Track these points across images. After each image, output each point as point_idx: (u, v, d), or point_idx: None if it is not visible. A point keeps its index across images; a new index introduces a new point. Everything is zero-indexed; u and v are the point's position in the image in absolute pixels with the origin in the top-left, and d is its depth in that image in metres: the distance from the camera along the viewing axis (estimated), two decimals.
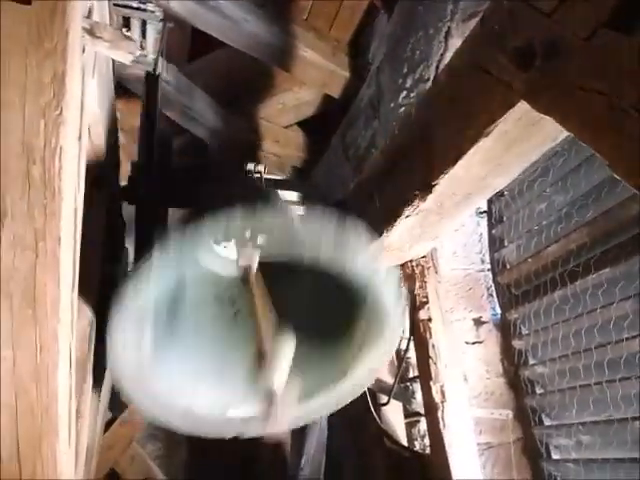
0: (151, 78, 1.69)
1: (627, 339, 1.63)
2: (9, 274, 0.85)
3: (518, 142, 1.24)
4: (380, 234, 1.67)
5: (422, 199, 1.47)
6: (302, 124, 3.39)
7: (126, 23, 2.19)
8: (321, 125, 3.33)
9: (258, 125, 3.22)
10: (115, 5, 2.01)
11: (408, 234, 1.67)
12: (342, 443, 2.31)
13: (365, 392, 1.94)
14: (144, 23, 2.13)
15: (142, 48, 2.35)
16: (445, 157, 1.35)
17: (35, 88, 0.85)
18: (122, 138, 2.02)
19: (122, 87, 2.62)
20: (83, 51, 0.96)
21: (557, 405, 1.95)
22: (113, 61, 2.21)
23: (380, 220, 1.68)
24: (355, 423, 2.12)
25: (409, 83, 2.38)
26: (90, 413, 1.44)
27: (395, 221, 1.58)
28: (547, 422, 1.99)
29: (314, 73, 2.80)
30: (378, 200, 1.72)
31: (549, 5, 1.02)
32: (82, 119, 1.00)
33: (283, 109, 3.21)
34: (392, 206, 1.60)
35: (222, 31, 2.49)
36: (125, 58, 1.01)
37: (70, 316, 0.96)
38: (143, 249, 1.41)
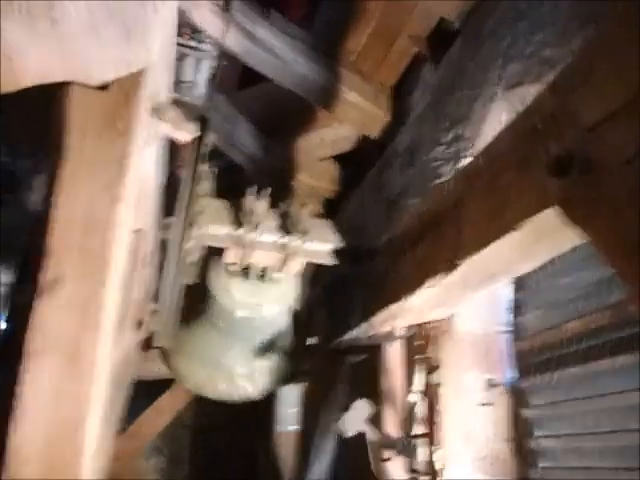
0: (202, 121, 1.75)
1: (634, 430, 1.62)
2: (58, 333, 0.93)
3: (550, 237, 1.26)
4: (402, 297, 1.70)
5: (445, 274, 1.49)
6: (337, 156, 3.44)
7: (182, 58, 2.31)
8: (356, 159, 3.38)
9: (295, 155, 3.28)
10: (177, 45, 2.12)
11: (429, 301, 1.70)
12: None
13: (368, 446, 1.97)
14: (199, 60, 2.24)
15: (193, 81, 2.46)
16: (473, 240, 1.38)
17: (103, 165, 0.92)
18: None
19: None
20: (147, 127, 1.03)
21: None
22: None
23: (404, 283, 1.71)
24: (358, 473, 2.14)
25: (449, 138, 2.41)
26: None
27: (418, 288, 1.61)
28: None
29: (355, 114, 2.86)
30: (404, 263, 1.76)
31: (592, 119, 1.05)
32: (139, 188, 1.06)
33: (321, 143, 3.27)
34: (417, 273, 1.63)
35: (273, 70, 2.57)
36: (184, 138, 1.08)
37: (105, 373, 1.03)
38: None
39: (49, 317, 0.93)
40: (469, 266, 1.43)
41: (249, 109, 3.08)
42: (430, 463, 1.73)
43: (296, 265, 2.00)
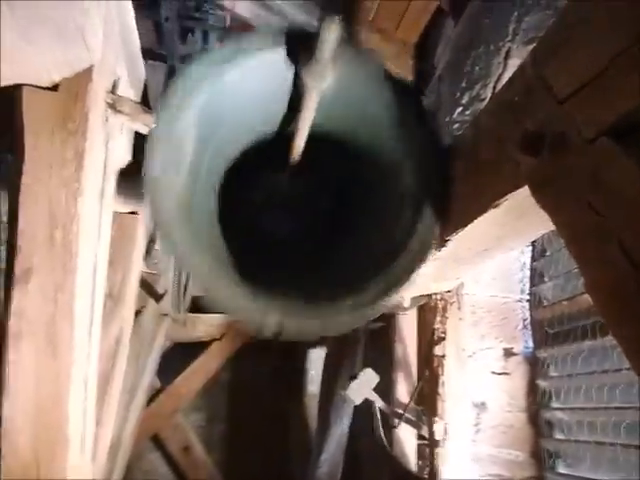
0: None
1: None
2: (35, 318, 1.01)
3: (532, 214, 1.20)
4: None
5: (437, 249, 1.46)
6: None
7: (191, 31, 2.31)
8: None
9: None
10: (179, 17, 2.13)
11: (427, 274, 1.67)
12: (359, 452, 2.41)
13: (376, 414, 2.01)
14: (206, 32, 2.23)
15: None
16: (459, 216, 1.34)
17: (59, 164, 0.97)
18: None
19: None
20: (107, 120, 1.06)
21: (572, 455, 1.90)
22: None
23: None
24: (369, 438, 2.19)
25: (465, 99, 2.30)
26: (119, 409, 1.63)
27: None
28: (561, 469, 1.95)
29: None
30: None
31: (563, 93, 0.97)
32: (105, 177, 1.10)
33: None
34: None
35: None
36: (143, 129, 1.09)
37: (86, 352, 1.11)
38: None
39: (25, 304, 1.01)
40: (458, 242, 1.39)
41: None
42: (430, 437, 1.74)
43: None
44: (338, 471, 2.42)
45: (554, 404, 2.03)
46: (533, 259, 2.23)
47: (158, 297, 2.22)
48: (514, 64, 2.01)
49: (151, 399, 2.94)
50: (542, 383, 2.09)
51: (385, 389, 2.13)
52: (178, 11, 2.03)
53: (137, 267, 1.58)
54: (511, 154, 1.11)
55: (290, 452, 3.17)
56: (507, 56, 2.04)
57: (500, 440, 2.11)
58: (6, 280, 1.04)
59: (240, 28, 2.55)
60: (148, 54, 2.20)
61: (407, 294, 1.94)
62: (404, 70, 2.77)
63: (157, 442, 3.14)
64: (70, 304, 1.03)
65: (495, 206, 1.18)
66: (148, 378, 2.38)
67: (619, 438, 1.66)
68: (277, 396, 3.30)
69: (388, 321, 2.32)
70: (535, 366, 2.15)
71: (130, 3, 1.04)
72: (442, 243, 1.42)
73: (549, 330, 2.09)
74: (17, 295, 1.02)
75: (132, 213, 1.54)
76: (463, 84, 2.31)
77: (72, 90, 0.95)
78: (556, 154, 0.97)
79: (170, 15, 2.05)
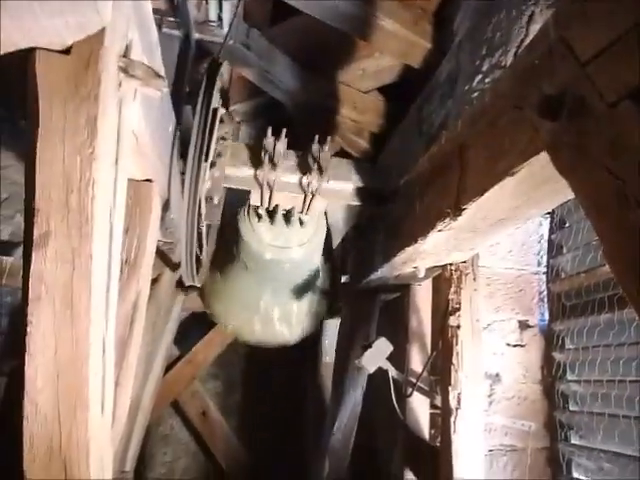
0: (213, 65, 1.75)
1: None
2: (53, 281, 1.04)
3: (549, 182, 1.18)
4: (415, 240, 1.67)
5: (453, 218, 1.45)
6: (382, 89, 3.30)
7: None
8: (402, 91, 3.22)
9: (337, 89, 3.18)
10: None
11: (442, 245, 1.66)
12: (372, 420, 2.44)
13: (390, 382, 2.03)
14: None
15: (220, 20, 2.42)
16: (475, 185, 1.32)
17: (72, 130, 0.97)
18: None
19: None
20: (120, 85, 1.05)
21: (585, 426, 1.91)
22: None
23: (417, 226, 1.68)
24: (383, 406, 2.22)
25: (485, 67, 2.22)
26: (138, 375, 1.67)
27: (428, 232, 1.58)
28: (573, 440, 1.96)
29: (394, 43, 2.69)
30: (418, 206, 1.71)
31: (587, 53, 0.94)
32: (119, 145, 1.11)
33: (363, 75, 3.13)
34: (427, 216, 1.59)
35: (302, 2, 2.45)
36: (154, 93, 1.09)
37: (103, 315, 1.13)
38: None
39: (43, 268, 1.03)
40: (474, 211, 1.38)
41: (285, 43, 2.98)
42: (443, 406, 1.76)
43: (319, 205, 2.01)
44: (351, 439, 2.46)
45: (569, 376, 2.03)
46: (551, 231, 2.20)
47: (174, 266, 2.25)
48: (537, 29, 1.94)
49: (169, 367, 3.01)
50: (557, 355, 2.09)
51: (399, 359, 2.14)
52: None
53: (153, 235, 1.59)
54: (530, 119, 1.09)
55: (305, 419, 3.23)
56: (530, 21, 1.95)
57: (514, 411, 2.13)
58: (25, 244, 1.06)
59: None
60: (162, 22, 2.18)
61: (422, 264, 1.93)
62: (422, 37, 2.70)
63: (176, 408, 3.23)
64: (87, 268, 1.04)
65: (512, 174, 1.16)
66: (165, 345, 2.43)
67: (633, 411, 1.66)
68: (292, 365, 3.35)
69: (403, 291, 2.33)
70: (550, 339, 2.14)
71: None
72: (457, 213, 1.40)
73: (566, 303, 2.08)
74: (36, 258, 1.04)
75: (147, 181, 1.55)
76: (483, 51, 2.23)
77: (84, 54, 0.94)
78: (576, 118, 0.94)
79: None
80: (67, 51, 0.96)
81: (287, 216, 2.10)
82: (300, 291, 2.41)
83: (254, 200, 2.04)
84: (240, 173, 1.93)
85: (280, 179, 1.92)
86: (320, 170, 1.88)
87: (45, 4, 0.84)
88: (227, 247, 2.30)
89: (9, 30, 0.89)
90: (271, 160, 1.87)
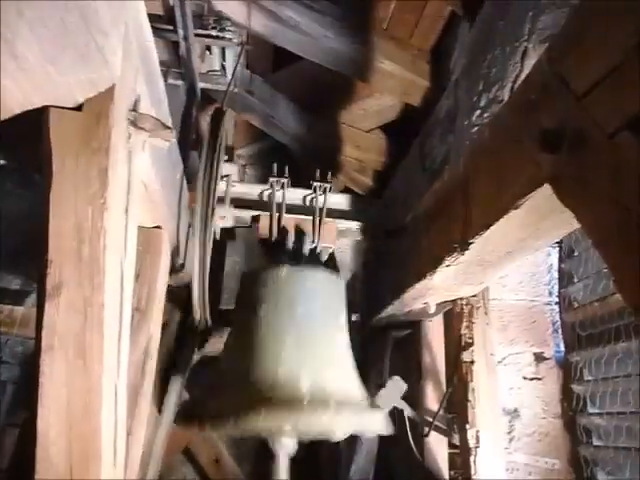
0: (218, 113, 1.79)
1: None
2: (65, 332, 1.04)
3: (555, 213, 1.18)
4: (424, 276, 1.67)
5: (461, 253, 1.45)
6: (384, 127, 3.36)
7: (208, 48, 2.36)
8: (404, 128, 3.28)
9: (339, 130, 3.25)
10: (196, 35, 2.18)
11: (451, 279, 1.66)
12: (389, 461, 2.38)
13: (406, 422, 1.99)
14: (224, 49, 2.28)
15: (224, 69, 2.50)
16: (480, 219, 1.33)
17: (84, 181, 1.00)
18: None
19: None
20: (130, 137, 1.09)
21: (611, 462, 1.85)
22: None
23: (426, 261, 1.68)
24: (400, 447, 2.17)
25: (483, 102, 2.28)
26: (150, 422, 1.65)
27: (437, 267, 1.58)
28: (600, 477, 1.89)
29: (393, 83, 2.76)
30: (425, 241, 1.72)
31: (581, 88, 0.96)
32: (129, 194, 1.14)
33: (365, 114, 3.21)
34: (435, 251, 1.60)
35: (302, 48, 2.54)
36: (162, 144, 1.12)
37: (115, 363, 1.13)
38: None
39: (56, 319, 1.04)
40: (481, 244, 1.38)
41: (288, 88, 3.08)
42: (462, 445, 1.71)
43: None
44: None
45: (590, 409, 1.98)
46: (561, 260, 2.19)
47: (185, 310, 2.25)
48: (531, 64, 1.98)
49: None
50: (576, 388, 2.04)
51: (414, 397, 2.10)
52: (195, 29, 2.09)
53: (163, 280, 1.61)
54: (530, 153, 1.10)
55: (320, 463, 3.14)
56: (524, 56, 2.01)
57: (535, 448, 2.07)
58: (38, 295, 1.08)
59: (257, 44, 2.60)
60: (168, 73, 2.26)
61: (432, 300, 1.92)
62: (420, 76, 2.77)
63: (188, 455, 3.16)
64: (99, 317, 1.06)
65: (516, 207, 1.17)
66: (176, 391, 2.40)
67: None
68: None
69: (414, 328, 2.30)
70: (568, 370, 2.10)
71: (147, 22, 1.07)
72: (465, 247, 1.41)
73: (581, 332, 2.04)
74: (48, 309, 1.05)
75: (157, 227, 1.57)
76: (480, 87, 2.29)
77: (95, 109, 0.98)
78: (576, 151, 0.96)
79: (188, 34, 2.10)
80: (79, 107, 1.00)
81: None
82: None
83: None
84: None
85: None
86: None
87: (58, 64, 0.88)
88: None
89: (25, 89, 0.93)
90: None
